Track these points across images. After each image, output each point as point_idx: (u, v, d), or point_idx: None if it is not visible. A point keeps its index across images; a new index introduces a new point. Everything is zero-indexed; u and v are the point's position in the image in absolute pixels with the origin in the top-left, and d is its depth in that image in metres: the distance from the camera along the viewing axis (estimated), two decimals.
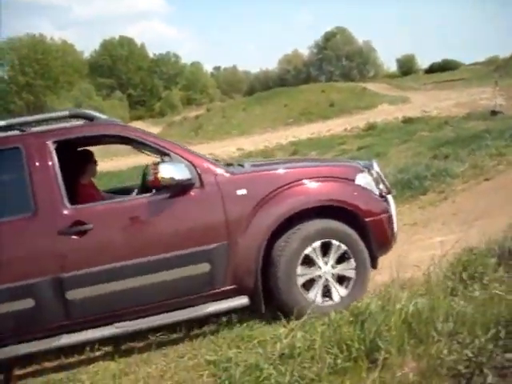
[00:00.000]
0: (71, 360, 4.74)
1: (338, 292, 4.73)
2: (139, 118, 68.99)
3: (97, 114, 4.78)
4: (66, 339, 4.32)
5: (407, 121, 27.68)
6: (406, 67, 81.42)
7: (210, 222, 4.51)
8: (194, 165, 4.52)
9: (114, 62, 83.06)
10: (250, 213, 4.53)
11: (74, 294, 4.27)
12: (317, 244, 4.62)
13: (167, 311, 4.50)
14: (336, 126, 33.95)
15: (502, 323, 3.55)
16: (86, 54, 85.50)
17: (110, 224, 4.45)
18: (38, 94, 73.42)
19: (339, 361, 3.64)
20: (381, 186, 4.99)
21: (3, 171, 4.47)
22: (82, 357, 4.71)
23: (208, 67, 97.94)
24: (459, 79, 56.00)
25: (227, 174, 4.62)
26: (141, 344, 4.80)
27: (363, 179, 4.89)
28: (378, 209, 4.82)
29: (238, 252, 4.51)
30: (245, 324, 4.68)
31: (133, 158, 25.14)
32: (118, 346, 4.82)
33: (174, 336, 4.82)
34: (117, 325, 4.40)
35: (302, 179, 4.72)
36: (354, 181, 4.84)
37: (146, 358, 4.52)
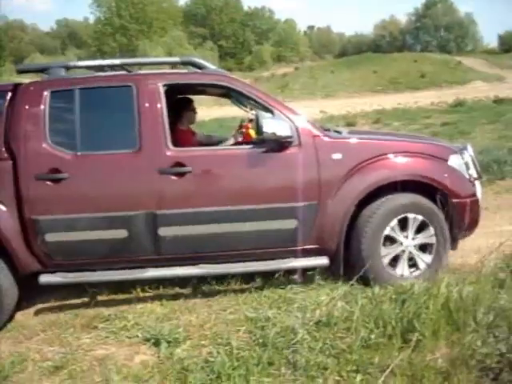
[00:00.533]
0: (122, 297, 4.98)
1: (423, 260, 4.82)
2: (228, 69, 68.62)
3: (207, 64, 4.92)
4: (152, 272, 4.56)
5: (499, 101, 26.50)
6: (508, 44, 77.48)
7: (302, 180, 4.60)
8: (295, 124, 4.62)
9: (208, 12, 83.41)
10: (342, 178, 4.65)
11: (165, 231, 4.49)
12: (394, 222, 4.71)
13: (248, 261, 4.68)
14: (424, 98, 32.96)
15: None
16: (182, 2, 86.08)
17: (208, 169, 4.61)
18: (132, 38, 74.76)
19: (373, 336, 3.65)
20: (471, 171, 5.00)
21: (115, 107, 4.74)
22: (132, 295, 4.94)
23: (302, 26, 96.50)
24: None
25: (325, 138, 4.72)
26: (188, 291, 4.98)
27: (456, 161, 4.93)
28: (465, 192, 4.86)
29: (325, 214, 4.64)
30: (289, 286, 4.73)
31: (216, 109, 25.37)
32: (167, 290, 5.00)
33: (221, 288, 4.94)
34: (201, 266, 4.60)
35: (397, 152, 4.82)
36: (446, 161, 4.90)
37: (190, 306, 4.67)
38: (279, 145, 4.57)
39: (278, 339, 3.77)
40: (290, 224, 4.61)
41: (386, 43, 77.93)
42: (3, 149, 4.42)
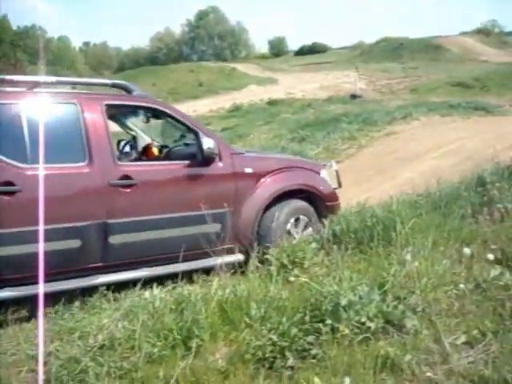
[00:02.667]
0: None
1: None
2: None
3: (135, 87, 5.53)
4: (103, 278, 4.81)
5: (272, 103, 28.30)
6: (277, 49, 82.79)
7: (224, 190, 5.46)
8: (217, 142, 5.36)
9: None
10: (252, 187, 5.62)
11: (115, 239, 4.82)
12: (292, 221, 5.81)
13: (182, 261, 4.91)
14: (202, 106, 33.84)
15: (309, 308, 3.74)
16: None
17: (160, 181, 5.21)
18: None
19: (156, 349, 3.66)
20: (334, 181, 6.53)
21: (61, 123, 4.92)
22: None
23: (78, 42, 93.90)
24: (326, 62, 57.76)
25: (238, 154, 5.70)
26: None
27: (325, 173, 6.40)
28: (333, 196, 6.30)
29: (240, 217, 5.50)
30: (69, 315, 4.57)
31: None
32: None
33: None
34: (143, 269, 5.00)
35: (289, 167, 6.12)
36: (319, 174, 6.34)
37: None
38: (206, 160, 5.33)
39: (61, 372, 3.63)
40: (215, 227, 5.31)
41: (163, 55, 78.91)
42: None
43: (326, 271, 4.67)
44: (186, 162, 5.36)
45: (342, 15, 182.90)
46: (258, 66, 58.54)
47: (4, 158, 4.47)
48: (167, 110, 5.52)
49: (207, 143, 5.21)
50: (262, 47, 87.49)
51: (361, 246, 5.14)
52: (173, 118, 5.54)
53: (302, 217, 5.89)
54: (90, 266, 4.80)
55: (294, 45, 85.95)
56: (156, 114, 5.76)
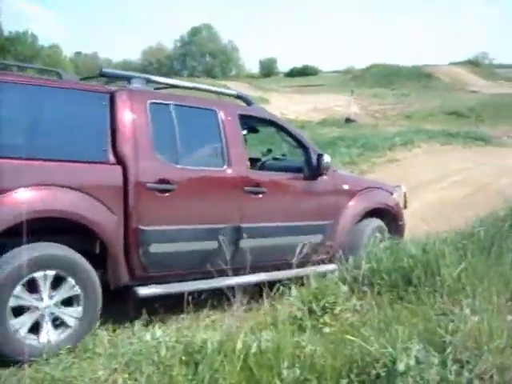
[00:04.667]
0: None
1: None
2: None
3: (253, 101, 5.84)
4: (237, 280, 4.76)
5: None
6: (268, 69, 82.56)
7: (327, 203, 5.77)
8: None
9: None
10: (347, 203, 5.94)
11: (244, 243, 4.93)
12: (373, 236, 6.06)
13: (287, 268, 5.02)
14: None
15: (354, 371, 3.07)
16: None
17: (281, 191, 5.44)
18: None
19: None
20: (402, 202, 6.94)
21: (204, 127, 5.10)
22: None
23: (68, 52, 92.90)
24: (318, 85, 57.53)
25: (337, 171, 6.10)
26: None
27: (396, 195, 6.75)
28: (403, 217, 6.75)
29: (336, 230, 5.79)
30: (57, 360, 3.82)
31: None
32: None
33: None
34: (264, 274, 5.04)
35: (373, 187, 6.49)
36: (392, 195, 6.72)
37: None
38: (316, 174, 5.64)
39: None
40: (318, 238, 5.59)
41: (154, 69, 77.90)
42: (112, 155, 4.28)
43: (359, 318, 4.02)
44: (301, 175, 5.64)
45: (332, 39, 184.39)
46: (248, 84, 57.94)
47: (160, 157, 4.52)
48: (282, 124, 5.89)
49: (326, 158, 5.56)
50: (253, 67, 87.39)
51: (396, 289, 4.48)
52: (286, 131, 5.87)
53: (378, 234, 6.14)
54: (218, 268, 4.62)
55: (283, 66, 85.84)
56: (271, 126, 5.97)
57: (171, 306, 4.84)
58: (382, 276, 4.58)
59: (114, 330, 4.44)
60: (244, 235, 4.93)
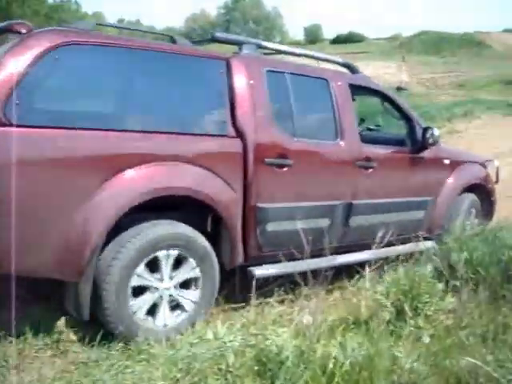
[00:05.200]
0: None
1: None
2: None
3: (359, 69, 5.48)
4: (342, 259, 4.67)
5: None
6: (313, 36, 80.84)
7: (430, 178, 5.57)
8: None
9: (9, 4, 76.93)
10: (447, 178, 5.75)
11: (353, 221, 4.77)
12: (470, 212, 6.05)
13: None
14: None
15: None
16: None
17: (388, 165, 5.13)
18: None
19: None
20: (495, 176, 6.70)
21: (317, 97, 4.86)
22: None
23: (112, 19, 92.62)
24: (364, 52, 55.98)
25: (439, 146, 5.65)
26: None
27: (489, 168, 6.56)
28: (495, 192, 6.50)
29: (436, 206, 5.61)
30: (110, 362, 3.34)
31: None
32: None
33: None
34: (372, 251, 4.42)
35: (470, 161, 6.25)
36: (486, 168, 6.50)
37: None
38: (421, 148, 5.41)
39: None
40: (420, 214, 5.50)
41: (198, 36, 77.20)
42: (232, 127, 4.01)
43: (456, 322, 3.43)
44: (406, 148, 5.43)
45: (378, 4, 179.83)
46: None
47: (278, 130, 4.25)
48: (389, 94, 5.59)
49: (434, 132, 5.33)
50: (297, 34, 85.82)
51: (494, 287, 3.85)
52: (392, 102, 5.56)
53: (473, 210, 6.06)
54: (329, 246, 4.21)
55: (329, 33, 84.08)
56: (377, 96, 5.68)
57: (230, 294, 4.37)
58: (477, 269, 3.94)
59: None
60: (355, 212, 4.76)
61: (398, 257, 4.45)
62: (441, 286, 3.62)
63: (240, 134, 4.01)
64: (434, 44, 54.90)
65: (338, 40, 75.55)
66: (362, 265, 4.44)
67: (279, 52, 5.00)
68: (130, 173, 3.44)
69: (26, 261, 3.19)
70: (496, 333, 3.25)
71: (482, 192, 6.26)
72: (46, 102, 3.37)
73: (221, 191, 3.86)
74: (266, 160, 4.09)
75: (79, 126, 3.35)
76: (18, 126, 3.10)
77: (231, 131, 3.99)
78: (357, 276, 4.53)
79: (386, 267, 4.73)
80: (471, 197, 6.06)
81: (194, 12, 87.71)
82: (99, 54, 3.59)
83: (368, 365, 2.74)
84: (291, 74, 4.48)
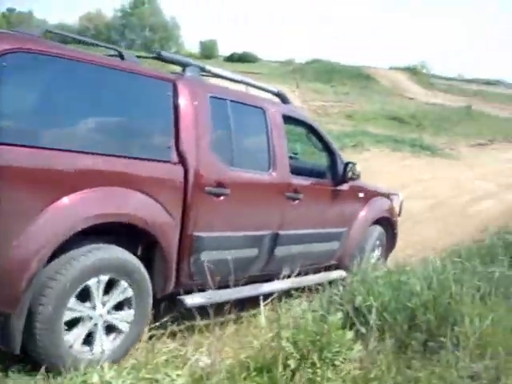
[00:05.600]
0: None
1: None
2: None
3: (290, 100, 5.48)
4: (266, 288, 4.66)
5: None
6: (208, 51, 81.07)
7: (346, 210, 5.68)
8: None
9: None
10: (360, 210, 5.89)
11: (278, 251, 4.77)
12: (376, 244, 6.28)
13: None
14: None
15: None
16: None
17: (312, 197, 5.15)
18: None
19: None
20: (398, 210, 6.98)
21: (254, 127, 4.78)
22: None
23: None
24: (258, 73, 56.66)
25: (356, 181, 5.71)
26: None
27: (394, 201, 6.72)
28: (396, 220, 6.73)
29: (349, 236, 5.74)
30: None
31: None
32: None
33: None
34: (289, 280, 4.73)
35: (381, 195, 6.38)
36: (392, 201, 6.65)
37: None
38: (341, 181, 5.52)
39: None
40: (334, 245, 5.61)
41: (91, 36, 75.16)
42: (175, 153, 3.87)
43: (364, 374, 3.24)
44: (328, 181, 5.53)
45: (273, 30, 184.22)
46: None
47: (217, 158, 4.16)
48: (316, 127, 5.59)
49: (357, 167, 5.52)
50: (192, 47, 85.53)
51: (401, 335, 3.72)
52: (318, 135, 5.60)
53: (378, 242, 6.27)
54: (253, 275, 4.65)
55: (223, 50, 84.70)
56: (305, 128, 5.71)
57: None
58: (383, 315, 3.79)
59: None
60: (280, 242, 4.77)
61: (291, 291, 4.70)
62: (351, 334, 3.41)
63: (182, 161, 3.88)
64: (325, 73, 56.48)
65: (233, 58, 76.25)
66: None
67: (220, 77, 4.86)
68: (71, 196, 3.20)
69: None
70: None
71: (387, 224, 6.44)
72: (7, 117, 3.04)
73: (160, 218, 3.72)
74: (206, 188, 4.00)
75: (14, 143, 3.01)
76: None
77: (174, 157, 3.85)
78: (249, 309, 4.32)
79: (282, 301, 4.60)
80: (379, 229, 6.25)
81: (89, 11, 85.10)
82: (47, 65, 3.29)
83: None
84: (232, 101, 4.41)
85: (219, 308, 3.97)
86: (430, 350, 3.56)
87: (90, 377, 3.02)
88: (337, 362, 3.27)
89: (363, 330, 3.70)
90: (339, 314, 3.52)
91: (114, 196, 3.46)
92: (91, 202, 3.30)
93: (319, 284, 4.93)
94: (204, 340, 3.89)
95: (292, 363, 3.18)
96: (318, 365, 3.19)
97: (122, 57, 3.90)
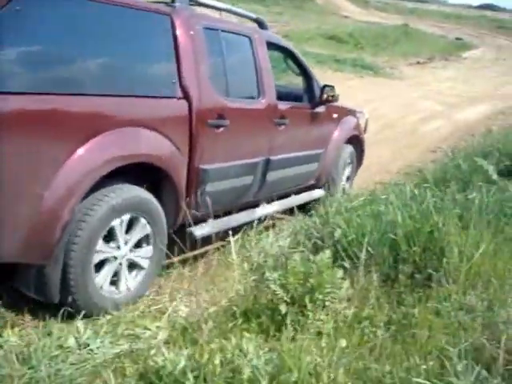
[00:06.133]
0: None
1: None
2: None
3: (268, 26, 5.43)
4: (260, 212, 4.91)
5: None
6: None
7: (324, 132, 5.86)
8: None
9: None
10: (334, 131, 6.05)
11: (270, 176, 4.88)
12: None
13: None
14: None
15: None
16: None
17: (296, 122, 5.18)
18: None
19: None
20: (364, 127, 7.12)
21: (243, 55, 4.72)
22: None
23: None
24: None
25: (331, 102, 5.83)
26: None
27: (360, 118, 6.86)
28: (363, 135, 6.90)
29: (326, 157, 5.91)
30: None
31: None
32: None
33: None
34: (278, 203, 5.22)
35: (350, 114, 6.50)
36: (357, 119, 6.78)
37: None
38: (319, 104, 5.61)
39: None
40: (315, 166, 5.79)
41: None
42: (179, 88, 3.79)
43: (356, 313, 3.11)
44: (307, 104, 5.57)
45: None
46: None
47: (216, 90, 4.12)
48: (294, 52, 5.62)
49: (334, 89, 5.65)
50: None
51: (387, 269, 3.60)
52: (296, 60, 5.65)
53: (348, 160, 6.50)
54: (247, 201, 4.84)
55: None
56: (283, 53, 5.68)
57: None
58: (367, 249, 3.63)
59: None
60: (271, 168, 4.86)
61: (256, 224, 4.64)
62: (340, 272, 3.24)
63: (186, 95, 3.83)
64: None
65: None
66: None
67: (204, 5, 4.64)
68: (91, 141, 3.12)
69: None
70: (400, 324, 3.00)
71: (356, 142, 6.64)
72: (10, 64, 2.80)
73: (172, 155, 3.74)
74: (208, 121, 3.99)
75: (40, 91, 2.89)
76: None
77: (179, 92, 3.80)
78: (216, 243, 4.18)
79: (250, 232, 4.48)
80: (349, 148, 6.45)
81: None
82: (50, 4, 3.09)
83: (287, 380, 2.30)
84: (222, 31, 4.35)
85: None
86: (418, 282, 3.45)
87: (65, 340, 2.77)
88: (327, 303, 3.11)
89: (347, 265, 3.55)
90: (327, 252, 3.31)
91: (131, 137, 3.45)
92: (112, 144, 3.27)
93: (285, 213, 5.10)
94: (178, 285, 3.68)
95: (283, 308, 3.01)
96: (310, 307, 3.02)
97: None
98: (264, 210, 4.98)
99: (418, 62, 25.35)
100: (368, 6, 58.52)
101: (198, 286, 3.59)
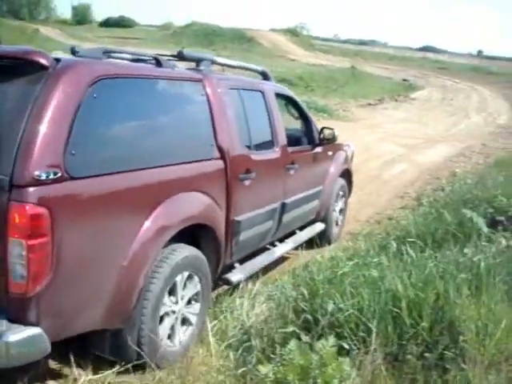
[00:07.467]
0: None
1: None
2: None
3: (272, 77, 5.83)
4: (279, 252, 5.35)
5: None
6: (81, 16, 77.29)
7: (322, 171, 6.35)
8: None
9: None
10: (330, 167, 6.53)
11: (285, 217, 5.28)
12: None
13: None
14: None
15: None
16: None
17: (302, 164, 5.59)
18: None
19: None
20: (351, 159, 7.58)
21: (259, 110, 5.02)
22: None
23: None
24: (135, 38, 54.70)
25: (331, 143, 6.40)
26: None
27: (348, 152, 7.27)
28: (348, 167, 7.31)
29: (324, 192, 6.39)
30: None
31: None
32: None
33: None
34: (290, 240, 5.70)
35: (341, 149, 6.95)
36: (345, 152, 7.23)
37: None
38: (318, 145, 6.11)
39: None
40: (316, 203, 6.26)
41: None
42: (216, 149, 4.11)
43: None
44: (309, 146, 5.98)
45: None
46: (60, 31, 53.56)
47: (243, 146, 4.46)
48: (296, 100, 6.08)
49: (334, 131, 6.10)
50: (65, 12, 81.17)
51: (391, 347, 3.17)
52: (297, 107, 6.13)
53: (341, 192, 6.91)
54: (268, 243, 5.21)
55: (98, 15, 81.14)
56: (287, 101, 6.03)
57: None
58: (368, 325, 3.21)
59: None
60: (286, 210, 5.21)
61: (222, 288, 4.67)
62: (348, 362, 2.79)
63: (222, 155, 4.13)
64: (205, 36, 55.61)
65: (109, 23, 73.33)
66: None
67: (224, 65, 5.16)
68: (157, 210, 3.37)
69: (79, 318, 3.03)
70: None
71: (347, 175, 7.09)
72: (95, 148, 3.01)
73: (215, 212, 4.04)
74: (240, 176, 4.31)
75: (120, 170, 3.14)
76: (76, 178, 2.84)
77: (216, 153, 4.09)
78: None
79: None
80: (342, 181, 6.88)
81: None
82: (126, 88, 3.36)
83: None
84: (243, 89, 4.74)
85: None
86: (430, 364, 3.02)
87: None
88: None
89: (346, 345, 3.12)
90: (331, 339, 2.87)
91: (186, 201, 3.71)
92: (173, 211, 3.52)
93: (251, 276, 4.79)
94: None
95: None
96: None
97: (159, 63, 3.88)
98: (281, 249, 5.37)
99: (370, 104, 25.52)
100: (313, 48, 59.65)
101: None
